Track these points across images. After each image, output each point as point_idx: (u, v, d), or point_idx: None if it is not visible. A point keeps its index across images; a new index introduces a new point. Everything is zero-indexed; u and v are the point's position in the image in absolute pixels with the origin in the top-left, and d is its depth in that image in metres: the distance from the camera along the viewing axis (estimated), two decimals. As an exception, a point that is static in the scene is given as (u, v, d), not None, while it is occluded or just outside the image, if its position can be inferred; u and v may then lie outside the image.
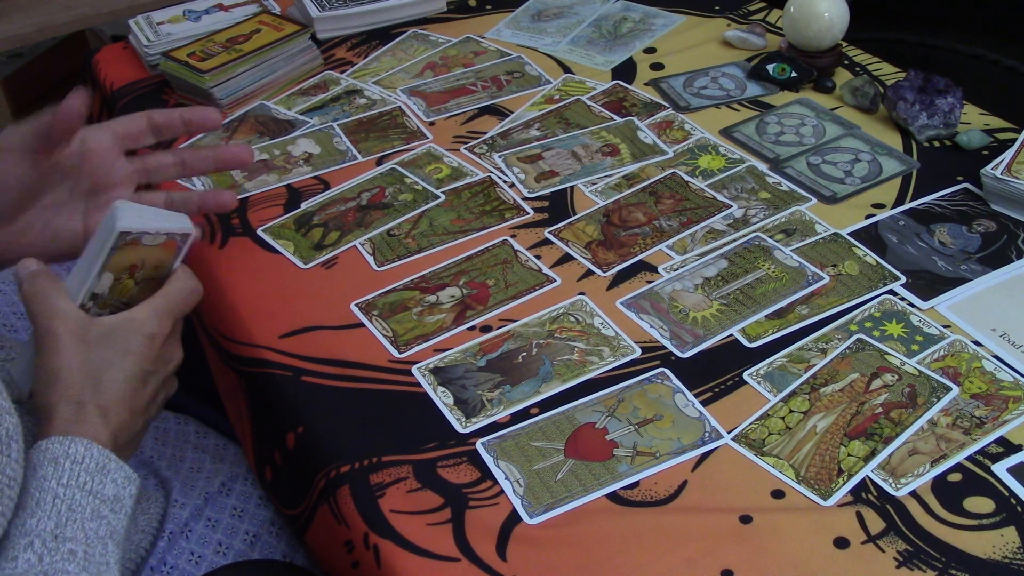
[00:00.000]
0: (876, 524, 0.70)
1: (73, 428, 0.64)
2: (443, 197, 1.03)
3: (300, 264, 0.95)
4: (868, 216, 0.98)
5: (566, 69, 1.26)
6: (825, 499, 0.71)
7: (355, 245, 0.97)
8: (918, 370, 0.80)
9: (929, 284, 0.90)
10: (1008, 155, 1.00)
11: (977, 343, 0.83)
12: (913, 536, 0.69)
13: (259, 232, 1.00)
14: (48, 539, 0.58)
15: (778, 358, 0.83)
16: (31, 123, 0.77)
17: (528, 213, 1.00)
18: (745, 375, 0.81)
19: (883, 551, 0.68)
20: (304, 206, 1.03)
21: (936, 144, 1.09)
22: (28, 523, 0.59)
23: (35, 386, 0.67)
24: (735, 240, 0.96)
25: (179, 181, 1.07)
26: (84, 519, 0.60)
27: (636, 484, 0.73)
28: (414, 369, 0.83)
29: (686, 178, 1.04)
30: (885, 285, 0.90)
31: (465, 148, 1.11)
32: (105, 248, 0.73)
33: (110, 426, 0.67)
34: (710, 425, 0.77)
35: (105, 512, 0.62)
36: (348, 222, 1.00)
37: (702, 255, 0.94)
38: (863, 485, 0.72)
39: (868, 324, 0.86)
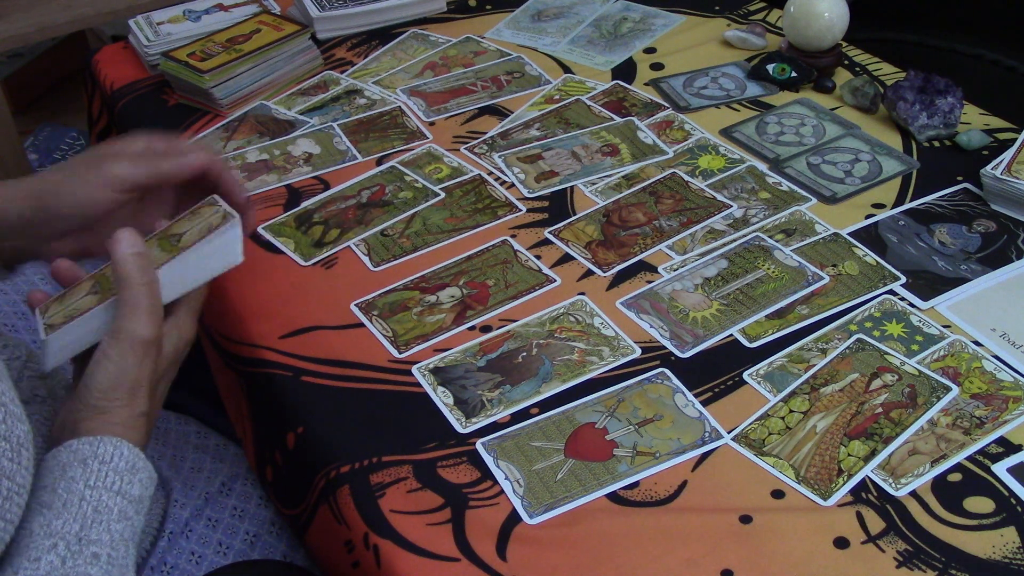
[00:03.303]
0: (876, 524, 0.70)
1: (118, 431, 0.64)
2: (442, 195, 1.03)
3: (301, 261, 0.95)
4: (868, 216, 0.98)
5: (566, 69, 1.26)
6: (825, 499, 0.71)
7: (349, 246, 0.97)
8: (918, 370, 0.80)
9: (929, 284, 0.90)
10: (1008, 155, 1.00)
11: (977, 343, 0.83)
12: (913, 536, 0.69)
13: (260, 230, 1.00)
14: (72, 542, 0.58)
15: (778, 358, 0.83)
16: (146, 167, 0.76)
17: (521, 210, 1.01)
18: (745, 375, 0.81)
19: (883, 551, 0.68)
20: (304, 204, 1.03)
21: (936, 144, 1.09)
22: (54, 524, 0.58)
23: (100, 381, 0.65)
24: (735, 240, 0.96)
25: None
26: (111, 520, 0.60)
27: (636, 484, 0.73)
28: (414, 369, 0.83)
29: (686, 178, 1.04)
30: (885, 285, 0.90)
31: (465, 148, 1.11)
32: (220, 270, 0.72)
33: (149, 428, 0.67)
34: (710, 425, 0.77)
35: (131, 513, 0.62)
36: (348, 219, 1.00)
37: (702, 255, 0.94)
38: (863, 485, 0.72)
39: (868, 324, 0.86)
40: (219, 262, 0.72)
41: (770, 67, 1.19)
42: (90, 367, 0.66)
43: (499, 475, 0.74)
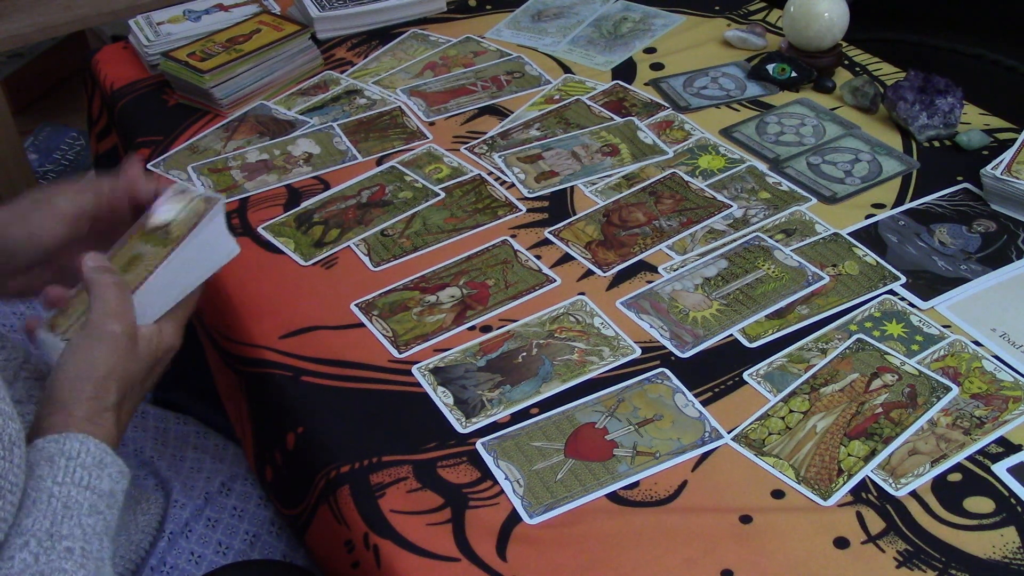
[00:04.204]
0: (876, 524, 0.70)
1: (82, 426, 0.64)
2: (443, 195, 1.03)
3: (301, 261, 0.95)
4: (868, 216, 0.98)
5: (566, 69, 1.26)
6: (825, 499, 0.71)
7: (349, 246, 0.97)
8: (918, 370, 0.80)
9: (929, 284, 0.90)
10: (1008, 155, 1.00)
11: (977, 343, 0.83)
12: (913, 536, 0.69)
13: (260, 230, 1.00)
14: (43, 538, 0.58)
15: (778, 358, 0.83)
16: (88, 193, 0.76)
17: (521, 210, 1.01)
18: (745, 375, 0.81)
19: (883, 551, 0.68)
20: (304, 204, 1.03)
21: (936, 144, 1.09)
22: (24, 523, 0.59)
23: (68, 371, 0.66)
24: (735, 240, 0.96)
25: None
26: (81, 515, 0.60)
27: (636, 484, 0.73)
28: (414, 369, 0.83)
29: (686, 178, 1.04)
30: (885, 285, 0.90)
31: (465, 148, 1.11)
32: (215, 269, 0.74)
33: (119, 428, 0.67)
34: (710, 425, 0.77)
35: (102, 507, 0.62)
36: (348, 219, 1.00)
37: (702, 255, 0.94)
38: (863, 485, 0.72)
39: (868, 324, 0.86)
40: (215, 260, 0.74)
41: (770, 67, 1.19)
42: (59, 360, 0.67)
43: (499, 475, 0.74)
